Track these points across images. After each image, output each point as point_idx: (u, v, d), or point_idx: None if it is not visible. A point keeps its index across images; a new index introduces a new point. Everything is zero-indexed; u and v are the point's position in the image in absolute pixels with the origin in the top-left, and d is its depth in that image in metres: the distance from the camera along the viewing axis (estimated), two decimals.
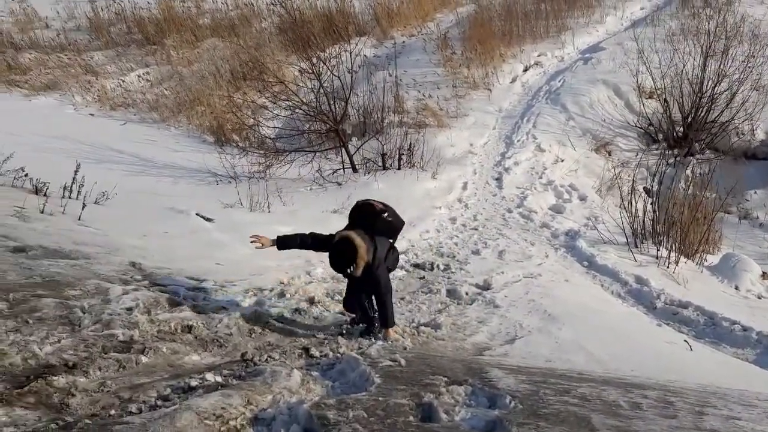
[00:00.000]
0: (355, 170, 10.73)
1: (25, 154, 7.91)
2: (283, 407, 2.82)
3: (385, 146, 10.73)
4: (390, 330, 4.63)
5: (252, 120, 12.27)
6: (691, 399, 3.11)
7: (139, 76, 15.30)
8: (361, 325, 4.91)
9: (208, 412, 2.59)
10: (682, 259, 7.93)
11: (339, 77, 10.89)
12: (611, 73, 13.02)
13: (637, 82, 11.84)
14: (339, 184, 10.11)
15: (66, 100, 14.25)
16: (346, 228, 4.56)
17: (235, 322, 4.33)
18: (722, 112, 10.92)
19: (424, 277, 6.80)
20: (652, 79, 11.54)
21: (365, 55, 14.09)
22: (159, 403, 2.82)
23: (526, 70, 14.07)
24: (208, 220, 7.19)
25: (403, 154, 10.62)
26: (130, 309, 4.03)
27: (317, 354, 3.94)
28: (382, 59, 14.72)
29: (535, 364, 4.07)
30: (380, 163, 10.65)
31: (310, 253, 6.70)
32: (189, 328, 3.96)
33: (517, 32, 14.88)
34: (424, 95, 12.70)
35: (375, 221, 4.57)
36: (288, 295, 5.51)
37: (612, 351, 4.59)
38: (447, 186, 10.11)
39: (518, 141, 11.69)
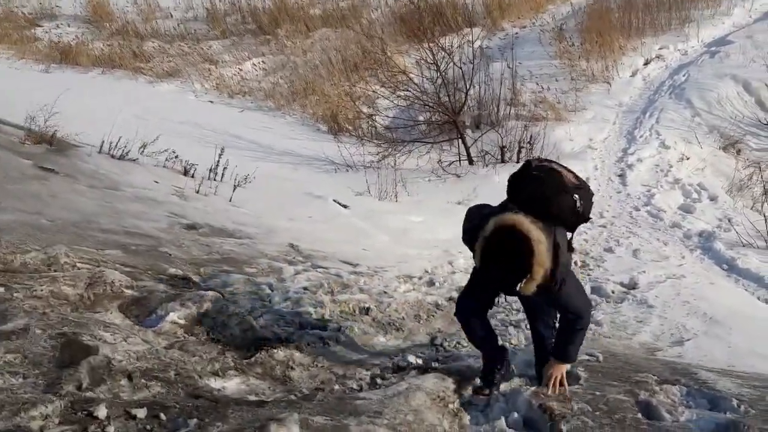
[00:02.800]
0: (471, 162, 10.65)
1: (159, 137, 8.27)
2: (496, 394, 2.79)
3: (504, 139, 10.58)
4: (562, 365, 3.01)
5: (369, 109, 12.35)
6: None
7: (254, 65, 15.68)
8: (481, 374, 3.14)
9: (435, 394, 2.59)
10: None
11: (460, 67, 10.81)
12: (741, 67, 12.36)
13: None
14: (458, 175, 10.05)
15: (187, 87, 14.77)
16: (501, 209, 2.88)
17: (401, 307, 4.34)
18: None
19: None
20: None
21: (479, 47, 13.93)
22: (378, 381, 2.86)
23: (647, 63, 13.56)
24: (344, 206, 7.29)
25: (523, 147, 10.44)
26: (306, 288, 4.10)
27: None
28: (494, 51, 14.54)
29: (720, 367, 3.89)
30: (498, 156, 10.51)
31: (450, 244, 6.72)
32: (366, 310, 4.01)
33: (637, 24, 14.35)
34: (542, 87, 12.44)
35: (557, 203, 2.88)
36: (437, 284, 5.50)
37: None
38: None
39: (640, 137, 11.29)
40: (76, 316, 2.86)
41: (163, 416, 2.15)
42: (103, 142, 6.76)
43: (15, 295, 2.90)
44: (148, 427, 2.13)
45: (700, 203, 9.45)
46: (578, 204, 2.94)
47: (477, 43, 13.79)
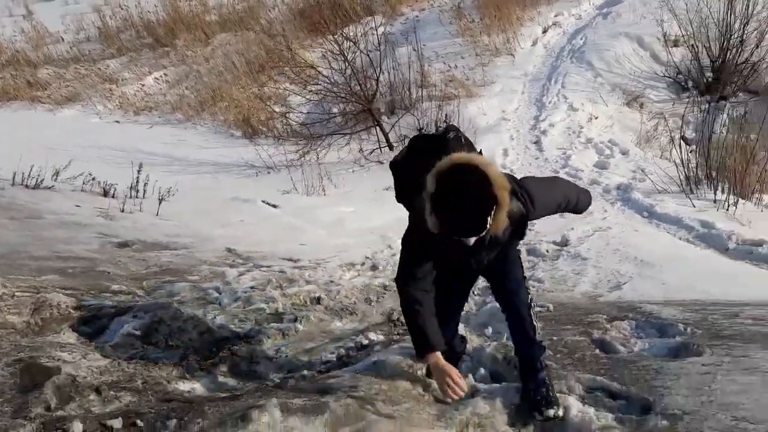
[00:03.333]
0: (391, 148, 10.74)
1: (71, 162, 7.99)
2: (465, 357, 2.87)
3: (420, 121, 10.73)
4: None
5: (282, 108, 12.25)
6: None
7: (156, 79, 15.28)
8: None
9: (403, 362, 2.64)
10: (740, 201, 7.93)
11: (367, 55, 10.86)
12: (633, 25, 12.97)
13: (662, 31, 11.78)
14: (381, 162, 10.13)
15: (89, 110, 14.25)
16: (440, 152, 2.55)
17: (351, 293, 4.36)
18: (752, 52, 10.87)
19: None
20: (678, 26, 11.49)
21: (383, 33, 14.04)
22: (345, 360, 2.87)
23: (545, 31, 14.02)
24: (274, 206, 7.23)
25: (439, 126, 10.60)
26: (253, 287, 4.07)
27: None
28: (397, 36, 14.67)
29: (661, 300, 4.10)
30: None
31: (386, 228, 6.78)
32: (318, 300, 4.01)
33: None
34: (449, 66, 12.66)
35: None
36: (380, 268, 5.55)
37: (723, 287, 4.62)
38: (488, 154, 9.97)
39: (549, 103, 11.67)
40: (28, 341, 2.76)
41: (140, 422, 2.10)
42: (14, 173, 6.48)
43: None
44: None
45: (613, 158, 9.88)
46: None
47: (380, 30, 13.88)
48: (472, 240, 2.41)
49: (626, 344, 2.86)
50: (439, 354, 2.50)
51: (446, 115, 10.63)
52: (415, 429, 2.32)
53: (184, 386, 2.58)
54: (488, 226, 2.36)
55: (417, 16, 15.46)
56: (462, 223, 2.35)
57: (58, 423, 2.17)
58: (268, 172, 10.52)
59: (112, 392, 2.39)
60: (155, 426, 2.07)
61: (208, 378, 2.67)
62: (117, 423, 2.17)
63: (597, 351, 2.77)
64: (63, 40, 17.74)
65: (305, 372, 2.80)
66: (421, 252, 2.58)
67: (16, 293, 3.18)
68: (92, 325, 3.09)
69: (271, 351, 3.04)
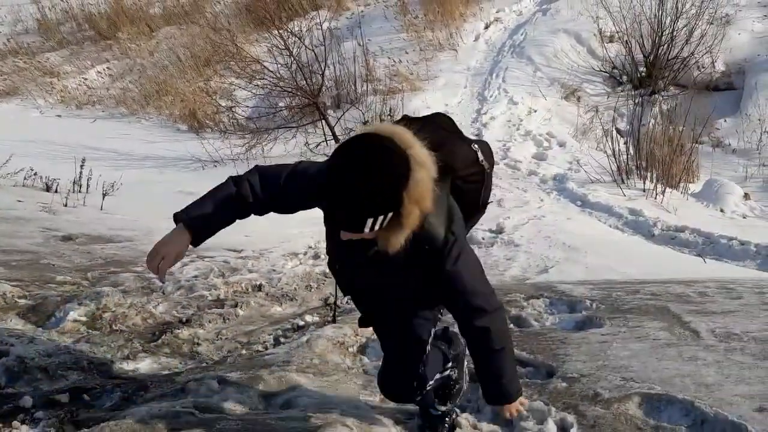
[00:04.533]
0: (337, 141, 10.90)
1: (11, 158, 7.93)
2: None
3: (365, 114, 10.93)
4: (511, 406, 2.16)
5: (228, 102, 12.28)
6: (748, 284, 3.50)
7: (98, 73, 15.07)
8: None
9: (335, 339, 2.85)
10: (668, 190, 8.39)
11: (312, 50, 11.00)
12: (571, 21, 13.42)
13: (598, 27, 12.25)
14: (326, 155, 10.27)
15: (29, 104, 13.98)
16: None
17: (292, 280, 4.55)
18: (682, 48, 11.41)
19: None
20: (613, 22, 11.97)
21: (328, 28, 14.17)
22: (282, 340, 3.07)
23: (487, 27, 14.37)
24: None
25: (384, 119, 10.81)
26: (196, 276, 4.22)
27: None
28: (343, 31, 14.81)
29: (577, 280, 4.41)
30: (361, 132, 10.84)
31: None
32: (259, 287, 4.19)
33: None
34: (394, 61, 12.88)
35: (454, 153, 2.12)
36: (323, 256, 5.74)
37: (642, 269, 4.97)
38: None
39: (491, 96, 12.01)
40: None
41: (86, 396, 2.27)
42: None
43: None
44: (74, 408, 2.25)
45: (551, 150, 10.29)
46: (480, 157, 2.18)
47: (325, 25, 14.00)
48: (344, 235, 1.87)
49: (539, 320, 3.14)
50: (182, 231, 2.14)
51: (390, 108, 10.85)
52: (340, 397, 2.53)
53: (128, 366, 2.75)
54: (367, 230, 1.78)
55: (362, 12, 15.61)
56: (333, 205, 1.83)
57: (9, 399, 2.32)
58: (215, 166, 10.56)
59: (59, 371, 2.55)
60: (102, 399, 2.24)
61: (152, 359, 2.85)
62: (64, 398, 2.34)
63: (511, 326, 3.04)
64: None
65: (243, 351, 2.99)
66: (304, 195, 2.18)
67: None
68: (39, 313, 3.22)
69: (212, 334, 3.22)
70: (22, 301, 3.28)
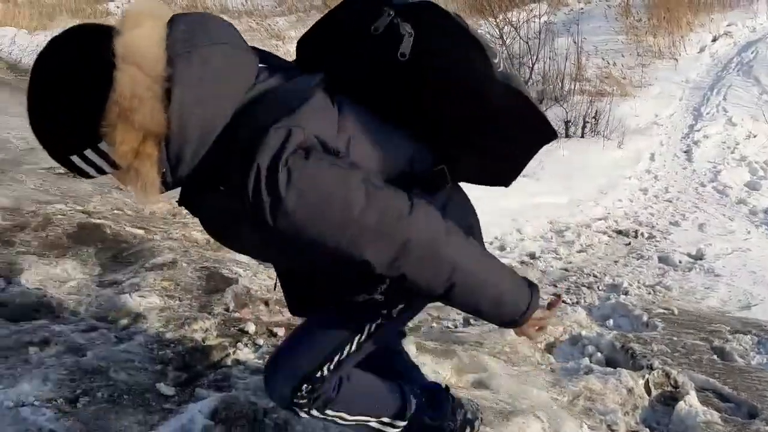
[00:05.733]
0: None
1: None
2: (585, 341, 3.10)
3: (568, 113, 10.72)
4: (524, 328, 1.61)
5: None
6: None
7: None
8: None
9: None
10: None
11: (527, 42, 10.95)
12: None
13: None
14: None
15: None
16: None
17: None
18: None
19: (630, 244, 6.90)
20: None
21: (544, 22, 13.98)
22: (471, 321, 3.19)
23: (715, 40, 13.43)
24: None
25: (587, 122, 10.56)
26: None
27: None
28: (558, 26, 14.53)
29: None
30: (563, 131, 10.64)
31: (517, 212, 6.99)
32: None
33: (706, 0, 14.16)
34: (608, 63, 12.46)
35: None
36: (508, 248, 5.80)
37: None
38: (634, 156, 9.98)
39: (707, 114, 11.28)
40: (212, 254, 3.29)
41: None
42: None
43: (154, 237, 3.33)
44: None
45: (766, 180, 9.48)
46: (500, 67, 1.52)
47: (543, 18, 13.83)
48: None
49: (745, 357, 2.98)
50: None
51: (596, 111, 10.54)
52: (530, 389, 2.60)
53: None
54: (93, 172, 1.27)
55: (582, 9, 15.22)
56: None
57: (235, 322, 2.66)
58: None
59: (277, 307, 2.86)
60: None
61: None
62: (281, 331, 2.63)
63: (714, 357, 2.92)
64: None
65: (434, 325, 3.16)
66: None
67: None
68: None
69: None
70: None
